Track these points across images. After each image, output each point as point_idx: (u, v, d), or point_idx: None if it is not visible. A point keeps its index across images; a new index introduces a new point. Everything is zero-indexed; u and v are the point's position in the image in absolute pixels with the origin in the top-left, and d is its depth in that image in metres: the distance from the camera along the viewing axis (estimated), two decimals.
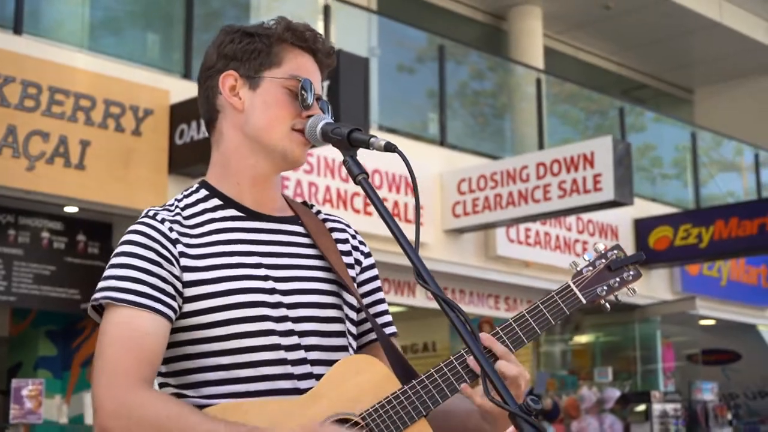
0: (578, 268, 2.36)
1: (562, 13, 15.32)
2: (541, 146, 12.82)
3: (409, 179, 2.18)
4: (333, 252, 2.37)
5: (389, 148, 2.16)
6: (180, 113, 9.16)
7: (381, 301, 2.48)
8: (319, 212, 2.47)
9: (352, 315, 2.39)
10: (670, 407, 12.85)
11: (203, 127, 8.90)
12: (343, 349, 2.32)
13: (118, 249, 2.25)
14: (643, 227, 13.46)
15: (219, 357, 2.21)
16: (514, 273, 12.03)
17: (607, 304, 2.37)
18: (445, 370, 2.24)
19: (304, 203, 2.46)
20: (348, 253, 2.44)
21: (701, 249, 12.99)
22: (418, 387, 2.22)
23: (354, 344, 2.39)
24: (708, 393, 13.92)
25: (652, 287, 13.86)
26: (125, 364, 2.13)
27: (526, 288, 12.48)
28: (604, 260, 2.38)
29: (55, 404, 9.32)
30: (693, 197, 15.16)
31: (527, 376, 2.23)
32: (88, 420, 8.96)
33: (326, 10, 10.97)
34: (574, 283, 2.35)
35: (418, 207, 2.20)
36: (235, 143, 2.34)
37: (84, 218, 9.29)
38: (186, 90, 9.40)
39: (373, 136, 2.20)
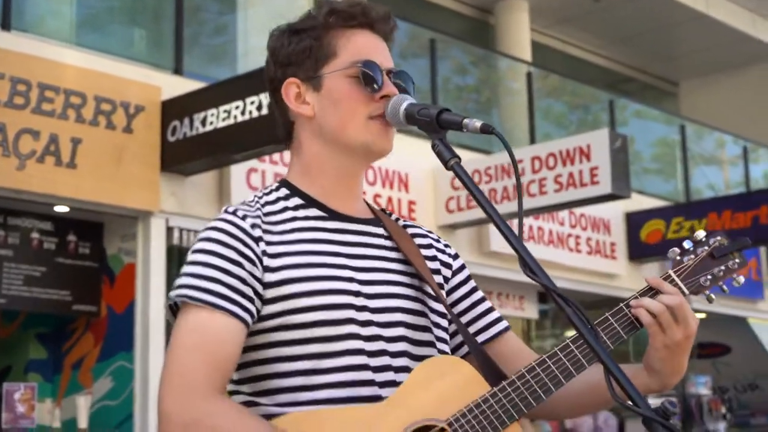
0: (678, 257, 2.19)
1: (549, 7, 15.23)
2: (532, 140, 12.70)
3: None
4: (417, 257, 2.24)
5: (486, 129, 2.01)
6: (172, 109, 8.98)
7: (482, 299, 2.34)
8: (398, 219, 2.33)
9: (439, 321, 2.24)
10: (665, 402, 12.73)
11: (196, 123, 8.73)
12: (427, 357, 2.16)
13: (197, 246, 2.10)
14: (635, 221, 13.36)
15: (297, 362, 2.07)
16: (507, 269, 11.90)
17: (712, 295, 2.20)
18: (538, 369, 2.09)
19: (383, 210, 2.32)
20: (432, 259, 2.30)
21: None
22: (509, 389, 2.08)
23: (446, 350, 2.24)
24: (702, 387, 13.86)
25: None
26: (198, 374, 1.98)
27: (519, 284, 12.36)
28: (706, 247, 2.22)
29: (47, 408, 9.11)
30: (683, 190, 15.09)
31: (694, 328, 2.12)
32: (82, 424, 8.77)
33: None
34: (675, 272, 2.19)
35: (520, 193, 2.04)
36: (315, 151, 2.21)
37: (75, 218, 9.09)
38: (177, 86, 9.23)
39: (465, 117, 2.04)
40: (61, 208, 8.82)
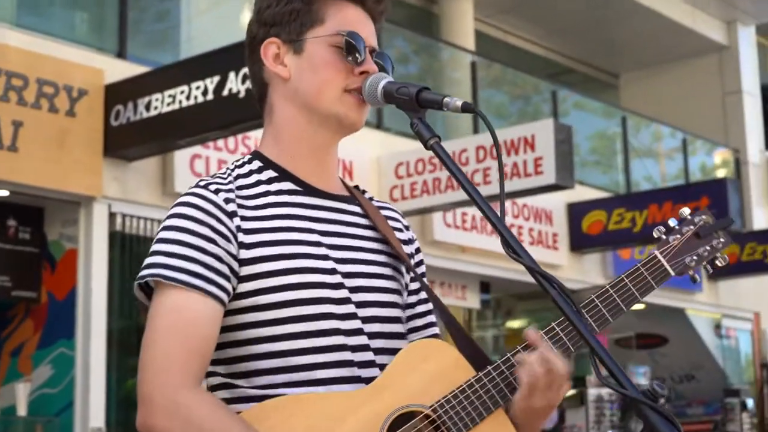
0: (663, 236, 2.19)
1: None
2: (475, 130, 12.74)
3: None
4: (393, 237, 2.21)
5: (467, 108, 1.98)
6: (115, 93, 8.89)
7: (426, 300, 2.30)
8: (372, 198, 2.29)
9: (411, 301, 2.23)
10: (605, 392, 12.88)
11: (140, 107, 8.66)
12: (402, 336, 2.16)
13: (168, 222, 2.04)
14: (576, 211, 13.47)
15: (273, 343, 2.03)
16: (450, 258, 11.96)
17: (697, 275, 2.20)
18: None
19: (356, 187, 2.27)
20: (407, 242, 2.28)
21: (635, 233, 13.03)
22: (494, 373, 2.07)
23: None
24: (641, 377, 14.00)
25: (585, 272, 13.90)
26: (176, 358, 1.95)
27: (462, 273, 12.42)
28: (692, 226, 2.20)
29: None
30: (623, 182, 15.23)
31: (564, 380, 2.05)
32: (20, 411, 8.67)
33: None
34: (660, 252, 2.18)
35: (501, 175, 2.04)
36: (287, 115, 2.16)
37: (15, 202, 8.96)
38: (121, 69, 9.14)
39: (446, 96, 2.01)
40: (0, 192, 8.70)
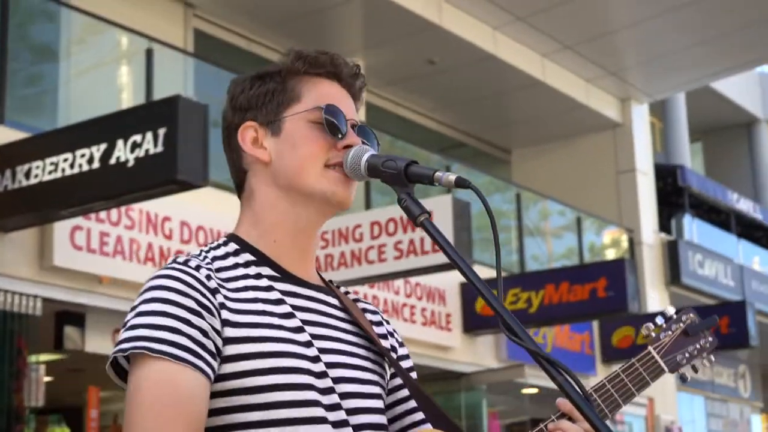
0: (653, 333, 2.28)
1: (384, 67, 15.47)
2: (368, 206, 12.85)
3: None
4: (371, 330, 2.21)
5: (461, 183, 1.97)
6: None
7: (410, 397, 2.30)
8: (347, 292, 2.29)
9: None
10: None
11: (19, 175, 8.55)
12: (383, 427, 2.16)
13: (147, 296, 1.99)
14: (470, 292, 13.60)
15: (259, 429, 1.98)
16: None
17: (687, 374, 2.29)
18: None
19: (330, 281, 2.27)
20: (384, 337, 2.28)
21: (531, 314, 13.23)
22: None
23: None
24: None
25: (479, 354, 14.03)
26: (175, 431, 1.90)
27: None
28: (681, 324, 2.31)
29: None
30: (517, 261, 15.46)
31: None
32: None
33: (149, 54, 10.74)
34: (654, 349, 2.27)
35: (498, 253, 2.05)
36: (270, 199, 2.14)
37: None
38: None
39: (436, 170, 2.01)
40: None
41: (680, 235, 19.54)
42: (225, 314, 2.00)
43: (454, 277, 13.29)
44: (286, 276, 2.12)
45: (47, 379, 9.74)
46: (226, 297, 2.02)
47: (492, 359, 14.30)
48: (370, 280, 11.20)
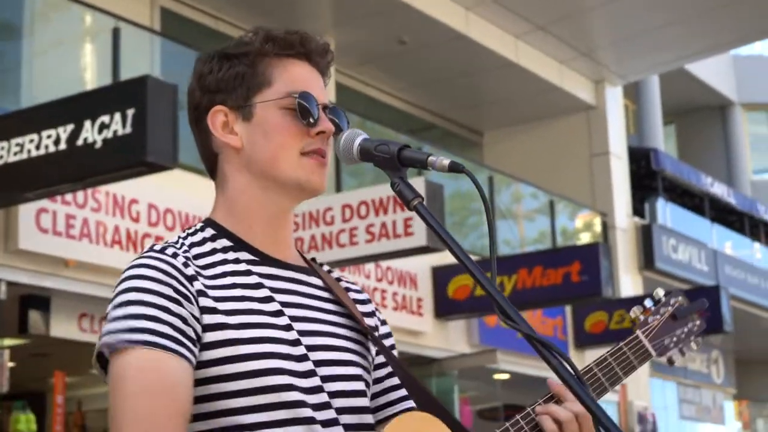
0: (641, 317, 2.31)
1: (354, 46, 15.46)
2: (338, 188, 12.86)
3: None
4: (354, 309, 2.24)
5: (454, 168, 2.00)
6: None
7: (392, 374, 2.34)
8: (330, 271, 2.33)
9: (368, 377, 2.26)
10: None
11: (13, 148, 8.44)
12: (366, 410, 2.19)
13: (124, 285, 2.02)
14: (442, 275, 13.66)
15: (241, 415, 2.01)
16: None
17: (674, 358, 2.32)
18: (522, 423, 2.16)
19: (313, 260, 2.31)
20: (370, 315, 2.32)
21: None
22: (522, 422, 2.15)
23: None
24: None
25: (450, 340, 14.09)
26: (161, 419, 1.93)
27: None
28: (669, 308, 2.34)
29: None
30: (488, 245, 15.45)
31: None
32: None
33: (115, 33, 10.68)
34: (642, 333, 2.30)
35: (492, 235, 2.09)
36: (242, 184, 2.17)
37: None
38: None
39: (430, 154, 2.04)
40: None
41: (654, 219, 19.65)
42: (203, 301, 2.03)
43: (426, 261, 13.33)
44: (264, 259, 2.15)
45: (10, 364, 9.71)
46: (203, 284, 2.05)
47: (464, 344, 14.36)
48: (341, 263, 11.21)
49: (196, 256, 2.10)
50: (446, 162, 2.01)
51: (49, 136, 8.26)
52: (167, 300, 1.99)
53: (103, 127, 8.03)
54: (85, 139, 8.09)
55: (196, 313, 2.02)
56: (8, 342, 9.85)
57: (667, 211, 20.50)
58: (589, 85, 18.34)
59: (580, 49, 17.23)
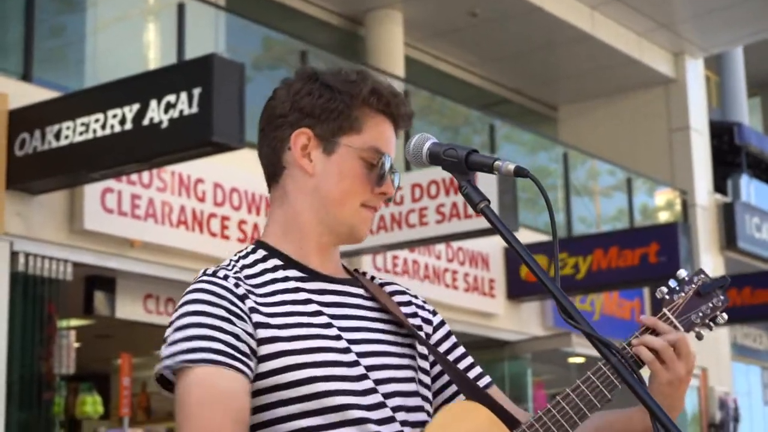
0: (666, 296, 2.48)
1: (424, 20, 15.59)
2: (408, 167, 13.00)
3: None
4: (399, 313, 2.44)
5: (520, 173, 2.18)
6: (20, 120, 9.00)
7: (465, 355, 2.55)
8: (373, 278, 2.52)
9: (424, 379, 2.45)
10: None
11: (49, 136, 8.76)
12: (421, 409, 2.39)
13: (181, 310, 2.26)
14: (514, 256, 13.67)
15: (301, 419, 2.24)
16: None
17: (702, 332, 2.49)
18: (563, 403, 2.33)
19: (356, 270, 2.51)
20: (413, 316, 2.50)
21: (578, 280, 13.39)
22: (537, 425, 2.31)
23: (429, 398, 2.46)
24: None
25: (523, 322, 14.22)
26: (222, 425, 2.15)
27: None
28: (693, 285, 2.49)
29: None
30: (564, 223, 15.54)
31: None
32: None
33: (180, 8, 10.89)
34: (669, 310, 2.46)
35: (555, 234, 2.27)
36: (301, 207, 2.37)
37: None
38: (26, 94, 9.25)
39: (496, 159, 2.22)
40: None
41: (736, 197, 19.57)
42: (256, 317, 2.26)
43: (498, 242, 13.45)
44: (312, 275, 2.38)
45: (75, 345, 9.99)
46: (255, 301, 2.28)
47: (537, 327, 14.49)
48: (410, 244, 11.38)
49: (247, 277, 2.32)
50: (512, 167, 2.19)
51: (114, 116, 8.50)
52: (220, 320, 2.23)
53: (170, 106, 8.26)
54: (151, 119, 8.33)
55: (250, 329, 2.25)
56: (74, 323, 10.14)
57: (751, 188, 20.40)
58: (668, 57, 18.30)
59: (658, 20, 17.20)
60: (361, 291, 2.43)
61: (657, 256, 13.10)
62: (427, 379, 2.46)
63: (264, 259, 2.37)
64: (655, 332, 2.39)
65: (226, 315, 2.22)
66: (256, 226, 10.91)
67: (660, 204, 18.29)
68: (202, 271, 2.33)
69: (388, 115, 2.39)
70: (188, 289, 2.28)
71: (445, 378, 2.49)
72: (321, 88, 2.36)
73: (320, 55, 13.34)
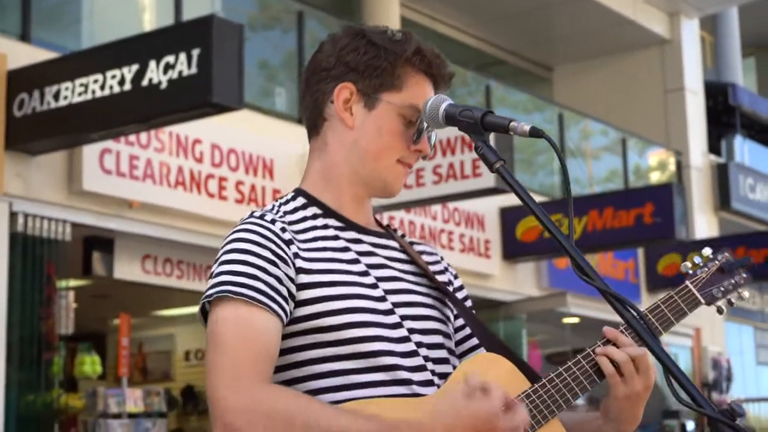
0: (690, 271, 2.55)
1: None
2: None
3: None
4: (428, 269, 2.53)
5: (535, 133, 2.25)
6: (19, 81, 9.02)
7: (465, 326, 2.61)
8: (403, 236, 2.62)
9: (450, 331, 2.54)
10: None
11: (48, 97, 8.78)
12: (446, 361, 2.47)
13: (228, 247, 2.34)
14: (510, 217, 13.84)
15: (334, 363, 2.32)
16: None
17: (723, 307, 2.56)
18: (574, 369, 2.39)
19: (388, 226, 2.60)
20: (442, 273, 2.60)
21: (574, 241, 13.39)
22: (549, 385, 2.38)
23: (454, 350, 2.54)
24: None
25: (518, 282, 14.30)
26: (249, 361, 2.22)
27: None
28: (716, 262, 2.58)
29: None
30: (559, 184, 15.58)
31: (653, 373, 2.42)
32: None
33: None
34: (691, 283, 2.54)
35: (569, 195, 2.33)
36: (339, 159, 2.46)
37: None
38: (25, 54, 9.26)
39: (512, 120, 2.28)
40: None
41: (730, 158, 19.65)
42: (299, 263, 2.35)
43: (494, 202, 13.51)
44: (350, 225, 2.48)
45: (73, 305, 10.04)
46: (298, 247, 2.37)
47: (532, 287, 14.57)
48: (407, 205, 11.44)
49: (290, 223, 2.41)
50: (527, 128, 2.26)
51: (113, 77, 8.52)
52: (266, 261, 2.32)
53: (169, 67, 8.28)
54: (150, 80, 8.35)
55: (292, 274, 2.34)
56: (73, 283, 10.19)
57: (744, 149, 20.47)
58: (663, 17, 18.32)
59: None
60: (394, 244, 2.52)
61: (652, 217, 13.18)
62: (451, 332, 2.54)
63: (304, 207, 2.46)
64: (615, 344, 2.43)
65: (272, 257, 2.31)
66: (253, 187, 10.95)
67: (653, 165, 18.35)
68: (249, 213, 2.42)
69: (429, 75, 2.46)
70: (236, 228, 2.38)
71: (467, 330, 2.57)
72: (367, 45, 2.44)
73: (316, 16, 13.33)
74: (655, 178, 18.09)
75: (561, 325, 15.63)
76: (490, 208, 13.71)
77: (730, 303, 2.58)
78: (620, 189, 16.00)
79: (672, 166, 17.97)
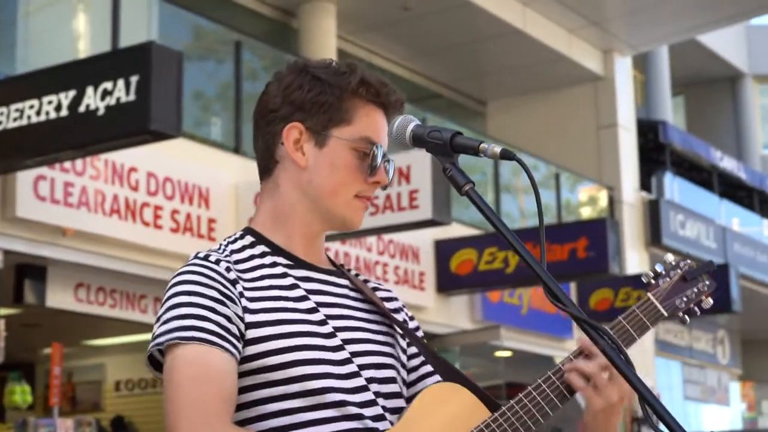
0: (652, 281, 2.50)
1: (357, 12, 15.59)
2: None
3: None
4: (383, 306, 2.49)
5: (506, 155, 2.21)
6: None
7: (426, 362, 2.56)
8: (357, 275, 2.57)
9: (401, 369, 2.50)
10: None
11: (12, 113, 8.56)
12: (398, 395, 2.44)
13: (174, 290, 2.30)
14: (445, 249, 13.84)
15: (283, 401, 2.29)
16: None
17: (686, 317, 2.51)
18: (534, 394, 2.35)
19: (342, 265, 2.56)
20: (397, 311, 2.56)
21: (507, 274, 13.47)
22: (509, 414, 2.34)
23: (405, 390, 2.50)
24: None
25: (452, 315, 14.28)
26: (211, 403, 2.19)
27: None
28: (678, 270, 2.53)
29: None
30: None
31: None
32: None
33: None
34: (653, 295, 2.49)
35: (541, 219, 2.30)
36: (292, 199, 2.42)
37: None
38: None
39: (481, 141, 2.25)
40: None
41: (661, 194, 19.82)
42: (245, 302, 2.31)
43: (429, 235, 13.50)
44: (299, 263, 2.43)
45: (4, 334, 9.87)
46: (244, 287, 2.33)
47: (466, 320, 14.56)
48: (343, 236, 11.38)
49: (236, 262, 2.37)
50: (498, 149, 2.22)
51: (50, 102, 8.40)
52: (213, 301, 2.28)
53: (106, 93, 8.18)
54: (87, 106, 8.24)
55: (239, 312, 2.30)
56: (3, 312, 10.02)
57: (674, 186, 20.66)
58: (597, 54, 18.47)
59: (589, 17, 17.35)
60: (345, 282, 2.48)
61: (586, 251, 13.24)
62: (404, 365, 2.50)
63: (252, 245, 2.41)
64: (587, 356, 2.38)
65: (219, 297, 2.27)
66: (189, 216, 10.85)
67: (583, 200, 18.45)
68: (193, 254, 2.37)
69: (378, 104, 2.42)
70: (180, 270, 2.33)
71: (426, 368, 2.53)
72: (311, 81, 2.40)
73: (252, 46, 13.28)
74: (586, 213, 18.20)
75: (494, 359, 15.64)
76: (425, 240, 13.70)
77: (693, 313, 2.53)
78: (554, 223, 16.05)
79: (603, 202, 18.09)
